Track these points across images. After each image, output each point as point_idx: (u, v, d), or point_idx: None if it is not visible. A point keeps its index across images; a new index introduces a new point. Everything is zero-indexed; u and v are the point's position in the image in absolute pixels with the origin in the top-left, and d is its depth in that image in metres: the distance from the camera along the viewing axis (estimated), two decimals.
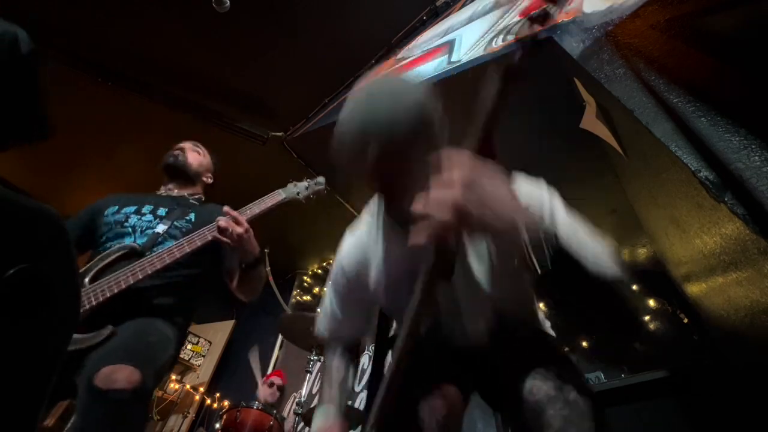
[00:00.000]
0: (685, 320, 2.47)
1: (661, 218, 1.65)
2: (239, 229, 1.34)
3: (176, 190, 1.64)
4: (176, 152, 1.68)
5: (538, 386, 0.74)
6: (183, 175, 1.66)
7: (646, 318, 2.65)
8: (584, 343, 2.73)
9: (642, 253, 2.86)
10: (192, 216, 1.53)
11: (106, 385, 1.00)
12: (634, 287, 2.80)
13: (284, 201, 1.54)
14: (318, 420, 0.93)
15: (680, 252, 1.62)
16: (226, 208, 1.39)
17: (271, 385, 3.03)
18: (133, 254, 1.35)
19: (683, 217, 1.26)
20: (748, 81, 0.91)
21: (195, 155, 1.72)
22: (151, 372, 1.14)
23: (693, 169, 0.92)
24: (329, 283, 1.07)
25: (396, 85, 0.79)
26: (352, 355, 1.08)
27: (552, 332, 1.04)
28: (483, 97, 0.63)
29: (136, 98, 2.77)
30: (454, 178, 0.58)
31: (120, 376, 1.02)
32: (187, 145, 1.73)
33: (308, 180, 1.61)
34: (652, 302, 2.68)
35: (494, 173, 0.60)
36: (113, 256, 1.33)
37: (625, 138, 1.45)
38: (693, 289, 1.76)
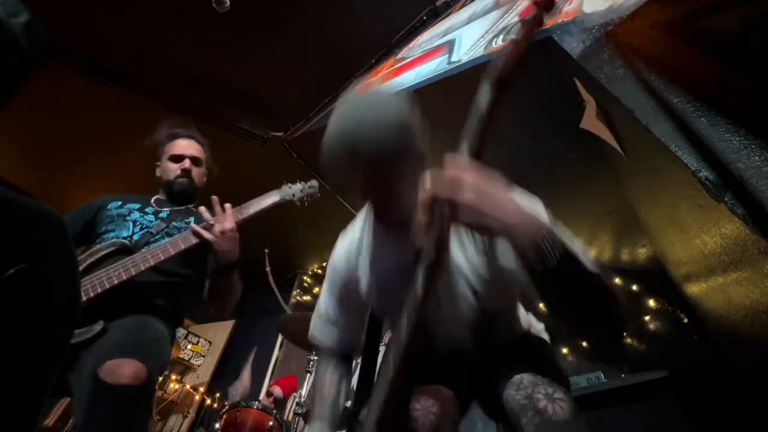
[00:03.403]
0: (685, 320, 2.47)
1: (661, 218, 1.65)
2: (226, 225, 1.31)
3: (180, 204, 1.59)
4: (183, 179, 1.57)
5: (512, 395, 0.78)
6: (190, 197, 1.61)
7: (646, 318, 2.65)
8: (584, 343, 2.73)
9: (642, 253, 2.85)
10: (192, 220, 1.52)
11: (114, 380, 0.99)
12: (634, 287, 2.80)
13: (278, 203, 1.52)
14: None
15: (680, 252, 1.62)
16: (202, 209, 1.36)
17: (270, 395, 3.01)
18: (123, 251, 1.33)
19: (683, 217, 1.26)
20: (748, 81, 0.91)
21: (198, 172, 1.63)
22: (156, 367, 1.13)
23: (693, 169, 0.92)
24: (324, 285, 1.08)
25: (380, 100, 0.79)
26: (346, 369, 1.06)
27: (545, 335, 1.04)
28: (476, 106, 0.66)
29: (136, 98, 2.77)
30: (461, 178, 0.60)
31: (127, 370, 1.01)
32: (189, 162, 1.60)
33: (301, 182, 1.59)
34: (652, 302, 2.68)
35: (494, 178, 0.62)
36: (102, 252, 1.31)
37: (625, 138, 1.45)
38: (693, 289, 1.75)
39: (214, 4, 2.20)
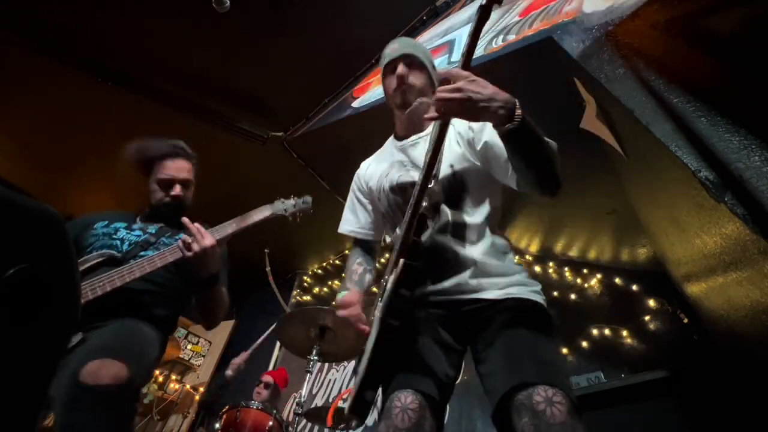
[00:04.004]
0: (685, 320, 2.47)
1: (661, 218, 1.65)
2: (207, 243, 1.33)
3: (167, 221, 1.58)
4: (174, 203, 1.54)
5: (514, 394, 0.80)
6: (179, 215, 1.54)
7: (646, 318, 2.65)
8: (584, 343, 2.73)
9: (642, 253, 2.85)
10: (181, 235, 1.49)
11: (94, 381, 0.98)
12: (634, 287, 2.80)
13: (270, 217, 1.53)
14: (339, 296, 1.10)
15: (680, 252, 1.62)
16: (185, 220, 1.37)
17: (258, 383, 3.02)
18: (111, 262, 1.34)
19: (683, 217, 1.26)
20: (748, 81, 0.91)
21: (187, 194, 1.60)
22: (139, 369, 1.12)
23: (693, 169, 0.92)
24: (350, 191, 1.35)
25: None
26: (370, 264, 1.27)
27: (540, 297, 1.02)
28: (468, 33, 0.89)
29: (136, 98, 2.77)
30: (455, 74, 0.85)
31: (108, 371, 1.01)
32: (179, 187, 1.56)
33: (295, 198, 1.61)
34: (652, 302, 2.68)
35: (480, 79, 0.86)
36: (91, 263, 1.33)
37: (625, 138, 1.45)
38: (693, 289, 1.76)
39: (214, 4, 2.20)
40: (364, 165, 1.35)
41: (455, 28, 2.35)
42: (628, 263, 2.95)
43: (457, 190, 1.08)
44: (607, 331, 2.72)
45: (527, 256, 3.31)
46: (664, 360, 2.39)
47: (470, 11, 2.34)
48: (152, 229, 1.52)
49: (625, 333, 2.67)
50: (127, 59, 2.63)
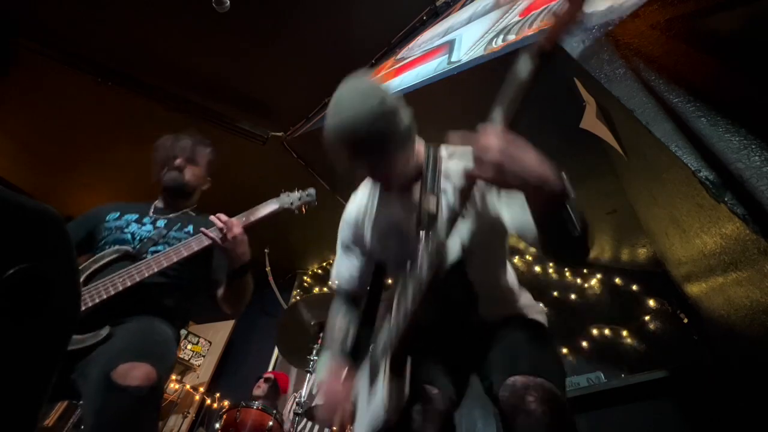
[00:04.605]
0: (685, 320, 2.47)
1: (661, 218, 1.65)
2: (235, 231, 1.36)
3: (175, 207, 1.64)
4: (173, 173, 1.60)
5: (505, 397, 0.81)
6: (182, 194, 1.63)
7: (646, 318, 2.65)
8: (584, 343, 2.73)
9: (642, 253, 2.85)
10: (190, 228, 1.56)
11: (126, 381, 1.04)
12: (634, 287, 2.80)
13: (277, 211, 1.56)
14: (321, 369, 1.05)
15: (680, 252, 1.62)
16: (213, 218, 1.40)
17: (258, 379, 3.01)
18: (126, 257, 1.38)
19: (683, 217, 1.26)
20: (748, 81, 0.91)
21: (191, 171, 1.65)
22: (164, 370, 1.18)
23: (693, 169, 0.92)
24: (338, 239, 1.24)
25: (359, 97, 0.88)
26: (354, 315, 1.19)
27: (541, 317, 1.05)
28: (514, 76, 0.69)
29: (136, 98, 2.77)
30: (492, 142, 0.65)
31: (138, 373, 1.06)
32: (181, 159, 1.63)
33: (300, 191, 1.63)
34: (652, 302, 2.68)
35: (523, 143, 0.67)
36: (106, 259, 1.36)
37: (625, 138, 1.45)
38: (693, 289, 1.75)
39: (214, 4, 2.20)
40: (350, 218, 1.17)
41: (455, 28, 2.35)
42: (628, 263, 2.96)
43: (472, 268, 0.97)
44: (607, 331, 2.72)
45: (527, 256, 3.31)
46: (664, 360, 2.40)
47: (470, 11, 2.34)
48: (161, 222, 1.55)
49: (625, 333, 2.67)
50: (127, 59, 2.63)
